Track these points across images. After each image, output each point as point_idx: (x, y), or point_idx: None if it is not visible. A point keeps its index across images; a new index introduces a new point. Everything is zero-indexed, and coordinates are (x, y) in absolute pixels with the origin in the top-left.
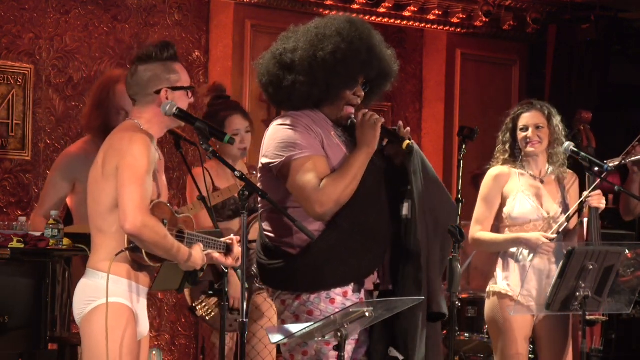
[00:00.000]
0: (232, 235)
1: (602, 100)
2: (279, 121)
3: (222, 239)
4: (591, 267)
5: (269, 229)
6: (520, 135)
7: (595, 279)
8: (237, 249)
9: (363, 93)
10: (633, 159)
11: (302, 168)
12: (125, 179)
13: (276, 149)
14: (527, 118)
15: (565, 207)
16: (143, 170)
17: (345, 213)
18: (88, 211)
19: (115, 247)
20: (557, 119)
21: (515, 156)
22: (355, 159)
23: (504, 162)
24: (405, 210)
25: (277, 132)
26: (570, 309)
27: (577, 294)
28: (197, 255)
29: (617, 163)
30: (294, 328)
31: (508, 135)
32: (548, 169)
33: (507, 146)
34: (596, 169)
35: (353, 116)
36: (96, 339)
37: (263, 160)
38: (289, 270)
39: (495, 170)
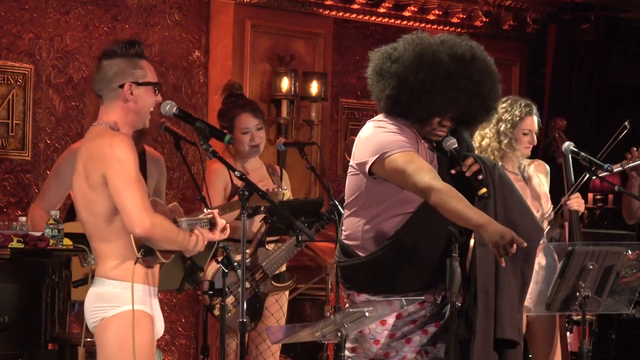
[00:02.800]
0: (205, 210)
1: (602, 100)
2: (374, 123)
3: (202, 216)
4: (591, 267)
5: (346, 230)
6: (523, 138)
7: (595, 279)
8: (220, 221)
9: (450, 123)
10: (631, 164)
11: (407, 158)
12: (120, 185)
13: (373, 147)
14: (531, 123)
15: (546, 198)
16: (133, 171)
17: (412, 231)
18: (84, 224)
19: (123, 253)
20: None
21: (503, 152)
22: (473, 212)
23: (493, 158)
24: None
25: (374, 134)
26: (570, 309)
27: (577, 294)
28: (201, 237)
29: (618, 169)
30: (295, 328)
31: (510, 131)
32: (523, 163)
33: (507, 142)
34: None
35: (450, 144)
36: (112, 348)
37: (356, 160)
38: (354, 270)
39: None
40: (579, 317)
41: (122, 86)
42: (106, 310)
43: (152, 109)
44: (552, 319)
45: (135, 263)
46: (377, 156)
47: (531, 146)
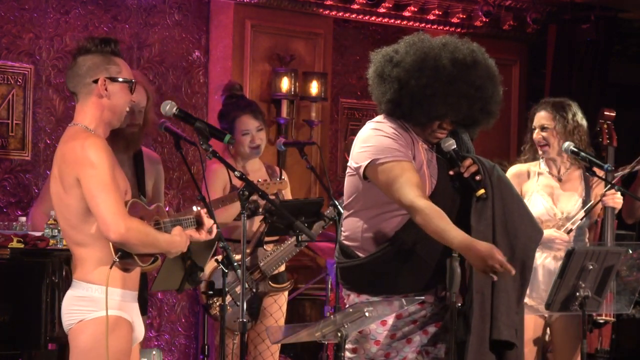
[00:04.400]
0: (195, 208)
1: (602, 100)
2: (372, 125)
3: (190, 215)
4: (591, 267)
5: (345, 231)
6: (533, 135)
7: (595, 279)
8: (207, 221)
9: (450, 126)
10: None
11: (397, 172)
12: (94, 190)
13: (367, 151)
14: (536, 119)
15: (585, 205)
16: (107, 175)
17: (412, 231)
18: (61, 228)
19: (101, 257)
20: (567, 117)
21: (537, 154)
22: (455, 232)
23: (525, 160)
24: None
25: (370, 137)
26: (570, 309)
27: (577, 294)
28: (183, 238)
29: (627, 171)
30: (295, 328)
31: (529, 135)
32: (570, 165)
33: (529, 146)
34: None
35: (448, 145)
36: (86, 351)
37: (353, 162)
38: (354, 271)
39: (513, 169)
40: (600, 317)
41: (96, 81)
42: (84, 313)
43: (127, 108)
44: (577, 323)
45: (111, 267)
46: (369, 161)
47: (541, 145)
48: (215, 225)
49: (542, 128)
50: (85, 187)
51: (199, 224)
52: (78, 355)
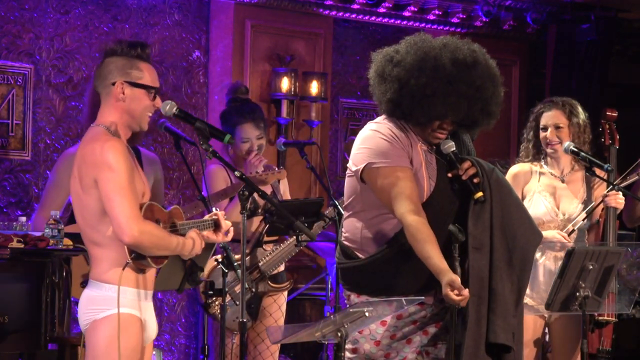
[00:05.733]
0: (215, 209)
1: (602, 100)
2: (372, 126)
3: (207, 217)
4: (591, 267)
5: (346, 232)
6: (541, 135)
7: (595, 279)
8: (225, 223)
9: (450, 127)
10: None
11: (392, 180)
12: (110, 193)
13: (364, 153)
14: (547, 117)
15: (587, 207)
16: (124, 179)
17: None
18: (79, 227)
19: (116, 257)
20: (580, 117)
21: (540, 154)
22: (436, 259)
23: (527, 160)
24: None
25: (368, 138)
26: (570, 309)
27: (577, 294)
28: (197, 240)
29: (633, 180)
30: (295, 328)
31: (532, 134)
32: (573, 166)
33: (531, 145)
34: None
35: (447, 146)
36: (99, 349)
37: (351, 163)
38: (354, 272)
39: (515, 169)
40: (602, 318)
41: (114, 84)
42: (97, 312)
43: (149, 113)
44: (576, 323)
45: (123, 268)
46: (364, 164)
47: (553, 144)
48: (232, 228)
49: (557, 127)
50: (103, 189)
51: (216, 226)
52: (92, 353)
